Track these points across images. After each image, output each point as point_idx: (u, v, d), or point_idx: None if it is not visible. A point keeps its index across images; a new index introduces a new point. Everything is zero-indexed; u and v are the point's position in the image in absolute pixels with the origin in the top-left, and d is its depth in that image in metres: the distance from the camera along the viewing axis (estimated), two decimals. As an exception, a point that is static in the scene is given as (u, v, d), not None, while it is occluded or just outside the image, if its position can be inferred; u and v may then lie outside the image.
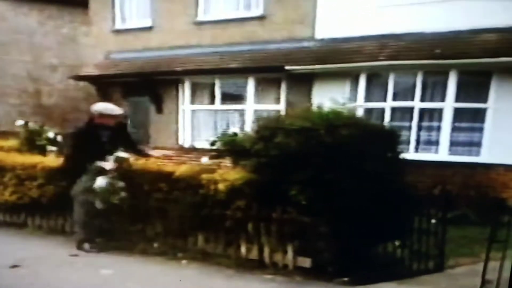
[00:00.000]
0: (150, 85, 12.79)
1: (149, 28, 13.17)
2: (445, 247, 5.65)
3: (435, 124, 9.64)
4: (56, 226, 7.03)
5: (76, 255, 5.88)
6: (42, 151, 7.87)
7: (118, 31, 13.81)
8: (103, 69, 13.63)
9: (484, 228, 5.39)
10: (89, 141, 6.01)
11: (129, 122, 12.70)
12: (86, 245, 6.04)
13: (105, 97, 13.68)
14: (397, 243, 5.72)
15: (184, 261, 5.81)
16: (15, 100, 16.29)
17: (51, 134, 8.16)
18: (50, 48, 16.90)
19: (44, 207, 6.86)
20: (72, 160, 6.08)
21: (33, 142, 8.08)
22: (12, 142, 8.41)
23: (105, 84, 13.76)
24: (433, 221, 5.57)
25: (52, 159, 7.17)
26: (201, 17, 12.41)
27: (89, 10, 14.39)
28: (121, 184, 5.90)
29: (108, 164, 5.90)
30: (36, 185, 6.73)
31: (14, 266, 5.31)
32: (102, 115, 6.23)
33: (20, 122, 8.36)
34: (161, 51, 12.76)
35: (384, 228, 5.33)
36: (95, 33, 14.28)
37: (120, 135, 6.43)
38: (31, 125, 8.36)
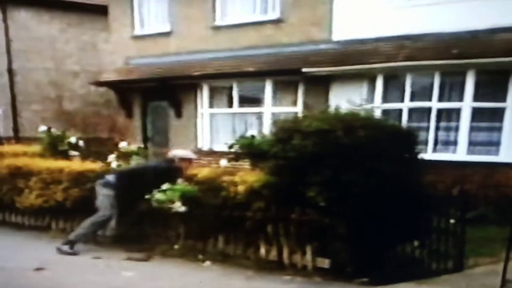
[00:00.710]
0: (169, 89, 12.91)
1: (168, 34, 13.29)
2: (465, 247, 5.60)
3: (453, 124, 9.57)
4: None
5: (99, 257, 6.03)
6: (65, 156, 8.04)
7: (137, 37, 13.98)
8: (122, 75, 13.79)
9: (503, 228, 5.37)
10: (162, 179, 6.12)
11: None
12: (66, 247, 6.19)
13: (125, 102, 13.96)
14: (416, 243, 5.73)
15: (207, 263, 5.91)
16: (37, 106, 16.62)
17: (73, 140, 8.32)
18: (71, 55, 17.20)
19: (67, 210, 7.00)
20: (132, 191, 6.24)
21: (55, 148, 8.26)
22: (36, 148, 8.61)
23: (125, 89, 13.97)
24: (452, 221, 5.56)
25: (77, 164, 7.33)
26: (218, 21, 12.49)
27: (109, 17, 14.60)
28: None
29: None
30: (61, 189, 6.88)
31: (39, 269, 5.45)
32: (183, 159, 6.55)
33: (43, 128, 8.53)
34: (180, 56, 12.87)
35: (402, 228, 5.35)
36: (115, 39, 14.47)
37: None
38: (54, 131, 8.54)
